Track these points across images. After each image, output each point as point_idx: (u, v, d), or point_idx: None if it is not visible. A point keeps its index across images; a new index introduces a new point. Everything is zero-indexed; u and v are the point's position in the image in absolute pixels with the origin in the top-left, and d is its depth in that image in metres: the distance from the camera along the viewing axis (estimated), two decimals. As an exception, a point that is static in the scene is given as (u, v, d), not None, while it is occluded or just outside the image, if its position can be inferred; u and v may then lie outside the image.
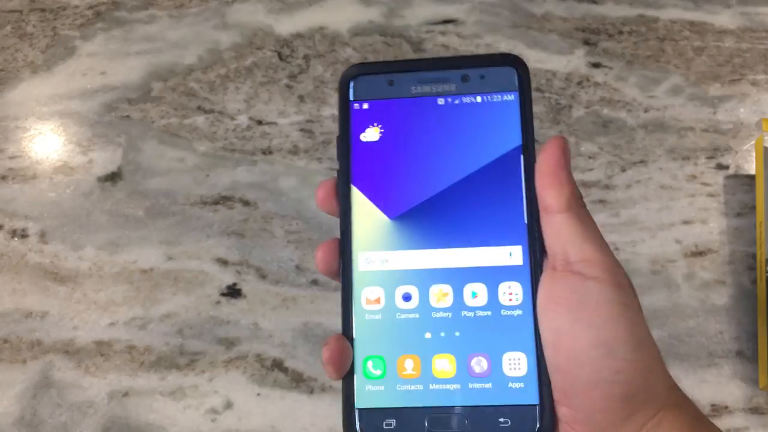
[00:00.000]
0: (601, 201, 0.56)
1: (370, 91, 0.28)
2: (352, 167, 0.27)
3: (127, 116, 0.60)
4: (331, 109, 0.60)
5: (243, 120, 0.60)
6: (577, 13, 0.65)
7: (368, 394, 0.26)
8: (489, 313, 0.26)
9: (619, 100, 0.60)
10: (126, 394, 0.50)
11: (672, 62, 0.62)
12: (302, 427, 0.49)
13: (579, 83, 0.61)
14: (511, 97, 0.27)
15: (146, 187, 0.57)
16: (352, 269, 0.27)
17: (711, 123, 0.59)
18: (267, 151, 0.59)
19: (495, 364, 0.26)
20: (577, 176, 0.57)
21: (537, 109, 0.60)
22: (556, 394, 0.25)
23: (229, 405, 0.50)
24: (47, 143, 0.59)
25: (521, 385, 0.25)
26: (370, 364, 0.26)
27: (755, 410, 0.50)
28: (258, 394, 0.50)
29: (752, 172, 0.57)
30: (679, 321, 0.52)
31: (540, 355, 0.26)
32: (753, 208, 0.55)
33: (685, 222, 0.56)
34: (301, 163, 0.58)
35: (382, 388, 0.26)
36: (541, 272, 0.27)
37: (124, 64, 0.63)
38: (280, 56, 0.63)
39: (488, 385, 0.25)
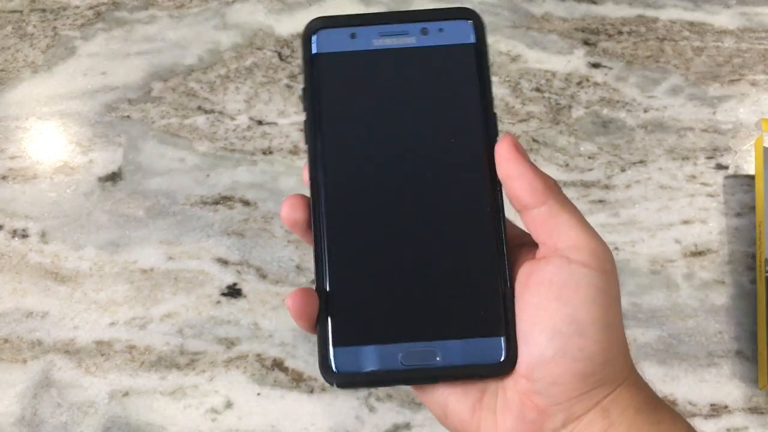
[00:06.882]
0: (600, 201, 0.56)
1: (333, 43, 0.28)
2: (319, 115, 0.28)
3: (128, 116, 0.60)
4: (331, 109, 0.60)
5: (243, 120, 0.60)
6: (576, 14, 0.65)
7: (344, 333, 0.26)
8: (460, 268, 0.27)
9: (619, 100, 0.61)
10: (126, 394, 0.50)
11: (671, 62, 0.62)
12: (302, 426, 0.49)
13: (579, 83, 0.61)
14: (469, 48, 0.28)
15: (146, 187, 0.57)
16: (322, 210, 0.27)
17: (710, 123, 0.59)
18: (267, 151, 0.59)
19: (465, 306, 0.27)
20: (577, 176, 0.57)
21: (537, 108, 0.60)
22: (520, 366, 0.27)
23: (229, 405, 0.50)
24: (48, 143, 0.59)
25: (492, 321, 0.27)
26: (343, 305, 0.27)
27: (755, 410, 0.50)
28: (258, 394, 0.50)
29: (752, 172, 0.57)
30: (678, 321, 0.52)
31: (509, 298, 0.27)
32: (752, 208, 0.56)
33: (685, 222, 0.56)
34: (301, 163, 0.58)
35: (357, 326, 0.26)
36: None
37: (125, 64, 0.63)
38: (281, 56, 0.63)
39: (460, 324, 0.27)
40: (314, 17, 0.28)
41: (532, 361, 0.26)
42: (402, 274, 0.27)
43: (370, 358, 0.26)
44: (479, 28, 0.28)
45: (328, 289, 0.27)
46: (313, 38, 0.28)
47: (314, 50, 0.28)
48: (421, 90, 0.28)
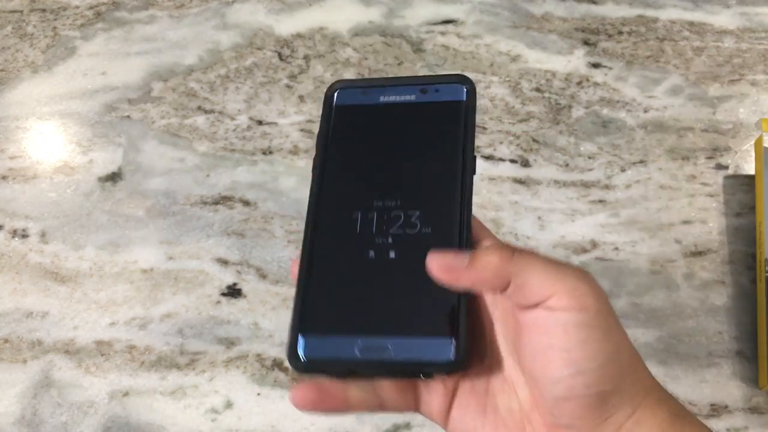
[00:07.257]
0: (600, 201, 0.56)
1: (349, 98, 0.35)
2: (330, 150, 0.34)
3: (128, 116, 0.60)
4: (331, 109, 0.60)
5: (243, 120, 0.60)
6: (576, 14, 0.65)
7: (311, 325, 0.30)
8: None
9: (619, 100, 0.61)
10: (126, 394, 0.50)
11: (671, 62, 0.62)
12: (302, 427, 0.49)
13: (579, 83, 0.61)
14: (459, 105, 0.34)
15: (146, 187, 0.57)
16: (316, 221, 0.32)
17: (710, 123, 0.59)
18: (267, 151, 0.59)
19: (423, 307, 0.30)
20: (577, 176, 0.57)
21: (537, 108, 0.60)
22: (543, 402, 0.28)
23: (229, 405, 0.50)
24: (48, 143, 0.59)
25: (443, 324, 0.29)
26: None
27: (755, 410, 0.50)
28: (258, 394, 0.50)
29: (752, 172, 0.57)
30: (678, 321, 0.52)
31: (462, 303, 0.30)
32: (752, 208, 0.56)
33: (685, 222, 0.56)
34: (301, 163, 0.58)
35: (323, 320, 0.30)
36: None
37: (125, 64, 0.63)
38: (280, 56, 0.63)
39: (413, 324, 0.30)
40: (336, 80, 0.36)
41: (548, 403, 0.27)
42: (369, 283, 0.31)
43: (331, 347, 0.30)
44: (470, 90, 0.34)
45: (304, 290, 0.31)
46: (335, 94, 0.35)
47: (334, 103, 0.36)
48: (414, 133, 0.34)
